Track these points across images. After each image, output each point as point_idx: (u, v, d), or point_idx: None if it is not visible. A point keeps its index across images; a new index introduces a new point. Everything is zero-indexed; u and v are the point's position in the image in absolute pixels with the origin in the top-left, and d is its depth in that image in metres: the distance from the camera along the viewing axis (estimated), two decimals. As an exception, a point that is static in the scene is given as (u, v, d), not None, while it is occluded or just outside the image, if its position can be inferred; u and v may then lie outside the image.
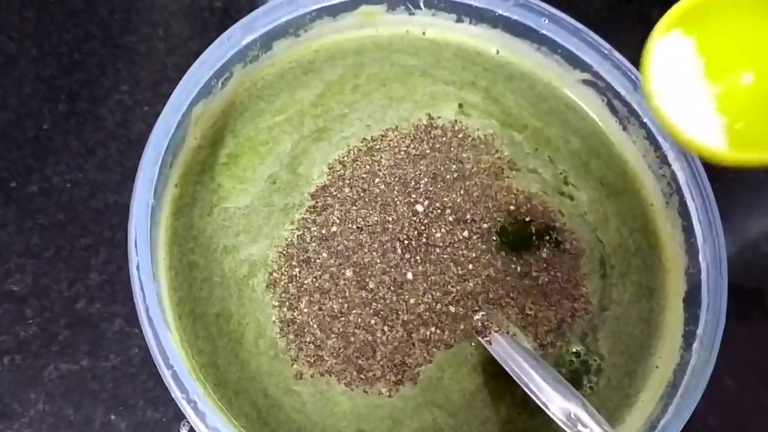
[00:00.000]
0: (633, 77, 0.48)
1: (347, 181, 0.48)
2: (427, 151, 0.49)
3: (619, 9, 0.68)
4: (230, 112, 0.47)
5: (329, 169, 0.48)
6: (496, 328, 0.43)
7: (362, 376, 0.42)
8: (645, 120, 0.48)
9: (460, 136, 0.50)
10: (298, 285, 0.44)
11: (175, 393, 0.36)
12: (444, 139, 0.50)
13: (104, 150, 0.55)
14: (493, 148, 0.49)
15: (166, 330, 0.37)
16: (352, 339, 0.43)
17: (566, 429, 0.37)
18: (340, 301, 0.44)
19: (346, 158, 0.48)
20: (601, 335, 0.45)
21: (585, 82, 0.50)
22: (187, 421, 0.36)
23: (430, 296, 0.44)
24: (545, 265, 0.46)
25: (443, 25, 0.51)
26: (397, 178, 0.48)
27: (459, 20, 0.50)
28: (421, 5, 0.50)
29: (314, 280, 0.44)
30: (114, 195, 0.54)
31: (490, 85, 0.51)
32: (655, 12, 0.69)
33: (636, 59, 0.52)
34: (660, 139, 0.47)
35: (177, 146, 0.43)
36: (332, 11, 0.48)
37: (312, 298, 0.44)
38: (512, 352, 0.41)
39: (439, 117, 0.50)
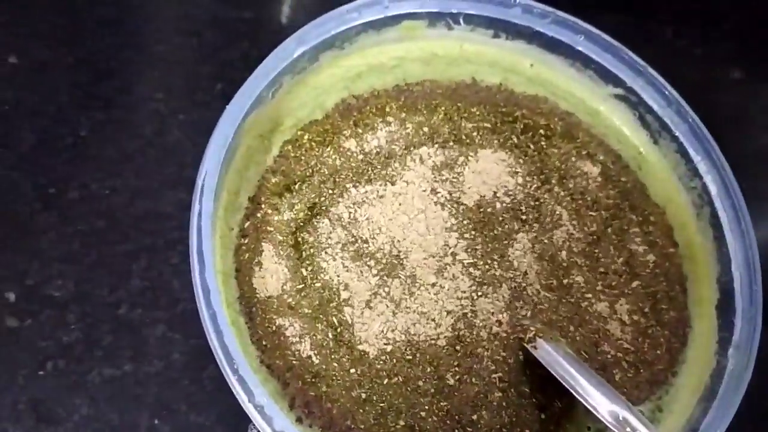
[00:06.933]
0: (666, 92, 0.49)
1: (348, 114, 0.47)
2: (467, 94, 0.48)
3: (635, 25, 0.70)
4: (277, 119, 0.48)
5: (335, 105, 0.48)
6: (541, 335, 0.44)
7: None
8: (677, 134, 0.49)
9: (506, 94, 0.49)
10: (249, 296, 0.42)
11: (242, 397, 0.36)
12: (488, 94, 0.49)
13: (141, 157, 0.56)
14: (547, 107, 0.49)
15: (232, 335, 0.38)
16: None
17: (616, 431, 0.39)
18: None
19: (359, 98, 0.48)
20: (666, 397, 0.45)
21: (617, 96, 0.51)
22: (254, 425, 0.37)
23: None
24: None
25: (480, 40, 0.52)
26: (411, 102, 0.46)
27: (496, 36, 0.51)
28: (461, 21, 0.51)
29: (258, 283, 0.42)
30: (152, 202, 0.54)
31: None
32: (669, 30, 0.71)
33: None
34: (692, 151, 0.49)
35: (231, 155, 0.44)
36: (376, 25, 0.49)
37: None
38: (558, 358, 0.42)
39: (483, 80, 0.50)
